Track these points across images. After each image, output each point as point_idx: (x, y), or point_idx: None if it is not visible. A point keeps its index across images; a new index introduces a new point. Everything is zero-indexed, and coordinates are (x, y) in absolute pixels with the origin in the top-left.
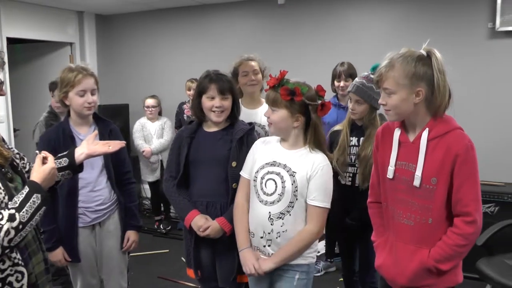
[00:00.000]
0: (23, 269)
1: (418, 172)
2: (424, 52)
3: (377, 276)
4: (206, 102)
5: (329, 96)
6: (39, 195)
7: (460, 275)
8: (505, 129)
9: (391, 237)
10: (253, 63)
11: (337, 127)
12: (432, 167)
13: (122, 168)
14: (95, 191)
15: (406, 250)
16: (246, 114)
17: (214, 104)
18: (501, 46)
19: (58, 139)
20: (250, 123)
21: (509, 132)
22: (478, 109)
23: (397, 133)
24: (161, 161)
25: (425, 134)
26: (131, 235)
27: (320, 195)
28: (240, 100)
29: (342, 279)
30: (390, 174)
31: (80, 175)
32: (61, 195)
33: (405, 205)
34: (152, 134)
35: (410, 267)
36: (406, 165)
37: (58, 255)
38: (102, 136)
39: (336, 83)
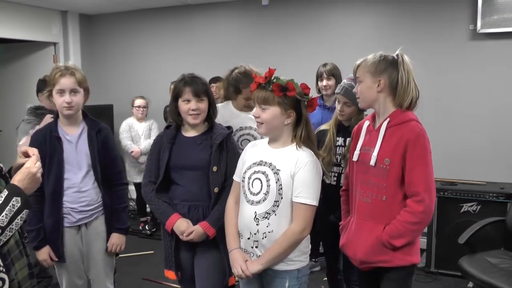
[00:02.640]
0: (4, 276)
1: (375, 153)
2: (395, 55)
3: None
4: (182, 105)
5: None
6: (18, 198)
7: (416, 257)
8: (486, 128)
9: (353, 217)
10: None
11: (323, 127)
12: (387, 150)
13: (112, 168)
14: (81, 192)
15: (364, 226)
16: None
17: (190, 107)
18: (482, 48)
19: (45, 140)
20: (229, 127)
21: (490, 131)
22: (459, 110)
23: (366, 124)
24: None
25: (385, 123)
26: (115, 238)
27: (303, 192)
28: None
29: (326, 278)
30: (355, 157)
31: (66, 175)
32: (46, 194)
33: (365, 185)
34: (139, 135)
35: (367, 242)
36: (368, 149)
37: (43, 254)
38: (90, 136)
39: (319, 83)
